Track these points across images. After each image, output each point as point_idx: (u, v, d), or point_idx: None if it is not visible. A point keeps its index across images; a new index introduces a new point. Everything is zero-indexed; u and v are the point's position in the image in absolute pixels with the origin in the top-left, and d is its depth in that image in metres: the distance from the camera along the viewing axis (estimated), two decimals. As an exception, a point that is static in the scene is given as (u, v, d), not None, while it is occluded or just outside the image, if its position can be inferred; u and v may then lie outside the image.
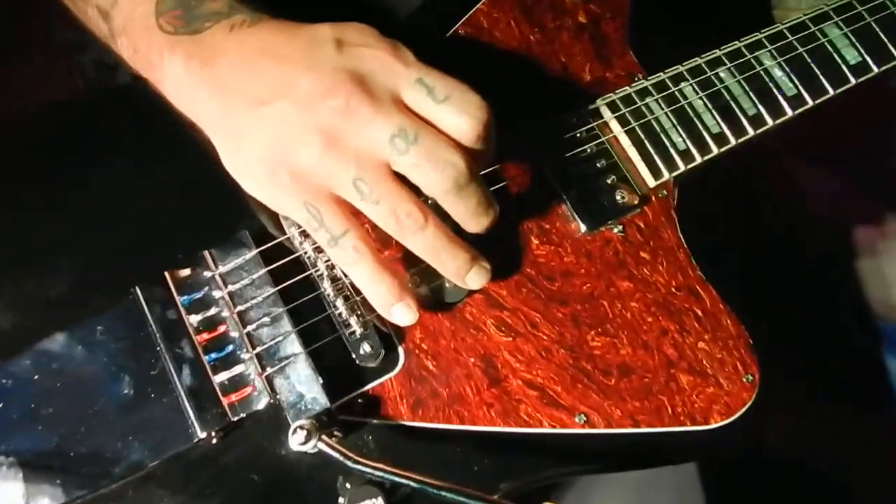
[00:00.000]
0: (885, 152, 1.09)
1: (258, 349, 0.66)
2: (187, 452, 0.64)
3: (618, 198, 0.76)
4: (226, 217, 0.72)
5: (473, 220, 0.63)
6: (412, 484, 0.61)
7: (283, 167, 0.60)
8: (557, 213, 0.76)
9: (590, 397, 0.69)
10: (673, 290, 0.74)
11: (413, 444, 0.67)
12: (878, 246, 1.03)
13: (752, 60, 0.84)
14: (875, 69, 0.86)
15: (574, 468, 0.71)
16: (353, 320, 0.68)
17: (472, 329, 0.71)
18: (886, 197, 1.07)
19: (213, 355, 0.66)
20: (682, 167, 0.79)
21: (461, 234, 0.64)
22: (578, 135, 0.79)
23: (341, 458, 0.62)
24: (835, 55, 0.85)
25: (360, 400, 0.68)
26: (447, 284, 0.71)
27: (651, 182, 0.78)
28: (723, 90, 0.82)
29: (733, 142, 0.80)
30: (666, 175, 0.78)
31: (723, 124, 0.80)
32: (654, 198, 0.78)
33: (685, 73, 0.83)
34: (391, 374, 0.68)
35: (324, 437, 0.63)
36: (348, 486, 0.64)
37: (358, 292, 0.67)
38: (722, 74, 0.83)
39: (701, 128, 0.80)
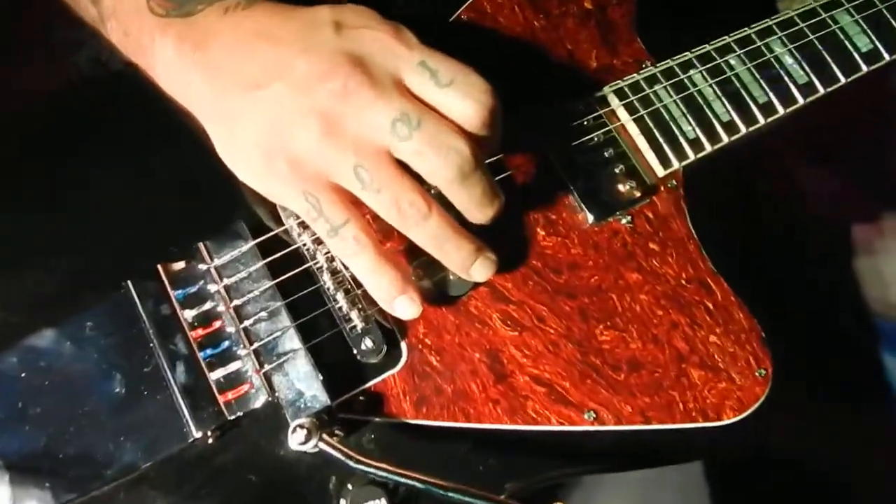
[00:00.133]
0: (884, 152, 1.06)
1: (255, 345, 0.62)
2: (182, 453, 0.60)
3: (626, 187, 0.73)
4: (221, 208, 0.67)
5: (478, 209, 0.59)
6: (416, 484, 0.58)
7: (280, 154, 0.56)
8: (564, 204, 0.72)
9: (599, 393, 0.65)
10: (683, 282, 0.70)
11: (416, 443, 0.63)
12: (875, 244, 1.00)
13: (763, 47, 0.80)
14: (887, 57, 0.82)
15: (582, 467, 0.67)
16: (353, 314, 0.63)
17: (477, 323, 0.66)
18: (884, 196, 1.05)
19: (209, 351, 0.62)
20: (691, 156, 0.75)
21: (465, 225, 0.60)
22: (585, 123, 0.75)
23: (343, 458, 0.58)
24: (846, 42, 0.81)
25: (361, 397, 0.63)
26: (451, 277, 0.67)
27: (660, 171, 0.74)
28: (733, 77, 0.78)
29: (744, 130, 0.76)
30: (675, 164, 0.74)
31: (733, 112, 0.76)
32: (663, 188, 0.74)
33: (694, 60, 0.79)
34: (394, 371, 0.64)
35: (324, 436, 0.59)
36: (350, 486, 0.60)
37: (359, 285, 0.63)
38: (732, 62, 0.79)
39: (711, 116, 0.76)
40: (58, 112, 0.73)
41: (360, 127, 0.55)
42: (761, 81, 0.78)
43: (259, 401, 0.61)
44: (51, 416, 0.60)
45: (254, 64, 0.57)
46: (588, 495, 0.80)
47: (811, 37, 0.81)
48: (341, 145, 0.55)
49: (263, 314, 0.63)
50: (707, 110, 0.76)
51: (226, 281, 0.64)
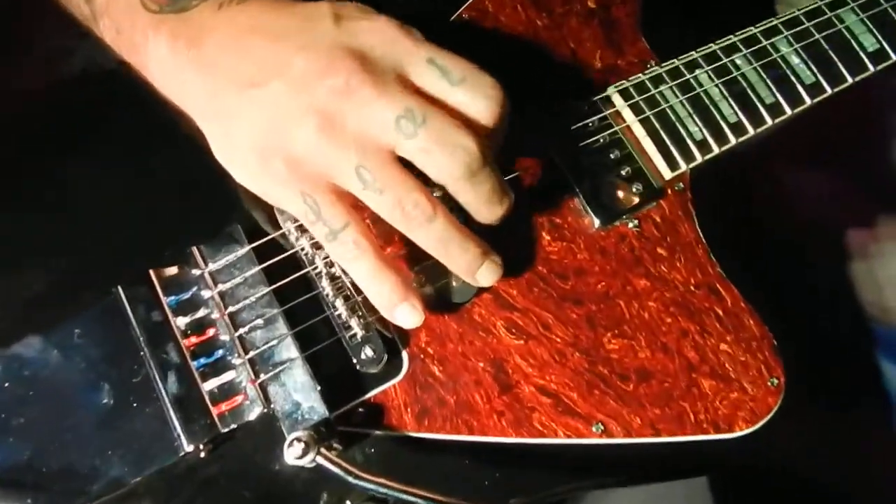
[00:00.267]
0: (877, 156, 1.02)
1: (251, 354, 0.58)
2: (172, 467, 0.55)
3: (633, 190, 0.68)
4: (217, 211, 0.63)
5: (486, 208, 0.55)
6: (418, 501, 0.54)
7: (277, 154, 0.52)
8: (569, 207, 0.68)
9: (607, 404, 0.61)
10: (692, 288, 0.66)
11: (418, 457, 0.59)
12: (870, 249, 0.96)
13: (769, 47, 0.75)
14: (894, 57, 0.78)
15: (590, 482, 0.62)
16: (353, 322, 0.59)
17: (480, 331, 0.62)
18: (878, 200, 1.01)
19: (202, 361, 0.57)
20: (699, 158, 0.70)
21: (469, 227, 0.56)
22: (590, 124, 0.71)
23: (342, 473, 0.54)
24: (852, 42, 0.77)
25: (360, 409, 0.59)
26: (454, 283, 0.63)
27: (667, 174, 0.70)
28: (739, 77, 0.74)
29: (751, 131, 0.72)
30: (683, 166, 0.70)
31: (740, 113, 0.72)
32: (670, 190, 0.70)
33: (700, 59, 0.74)
34: (394, 381, 0.60)
35: (322, 450, 0.55)
36: (349, 503, 0.56)
37: (359, 292, 0.58)
38: (738, 61, 0.75)
39: (718, 117, 0.72)
40: (49, 112, 0.68)
41: (363, 124, 0.51)
42: (768, 81, 0.74)
43: (254, 413, 0.56)
44: (35, 428, 0.55)
45: (250, 61, 0.53)
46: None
47: (817, 36, 0.77)
48: (342, 144, 0.51)
49: (259, 322, 0.59)
50: (714, 111, 0.72)
51: (220, 287, 0.59)
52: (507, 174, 0.66)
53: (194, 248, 0.60)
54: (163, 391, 0.56)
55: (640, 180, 0.69)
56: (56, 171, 0.64)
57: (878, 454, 0.91)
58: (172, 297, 0.59)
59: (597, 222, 0.67)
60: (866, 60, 0.77)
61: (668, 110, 0.72)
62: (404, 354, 0.61)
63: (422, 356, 0.61)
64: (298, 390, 0.57)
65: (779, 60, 0.75)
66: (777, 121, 0.73)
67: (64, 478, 0.54)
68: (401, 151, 0.52)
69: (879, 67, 0.78)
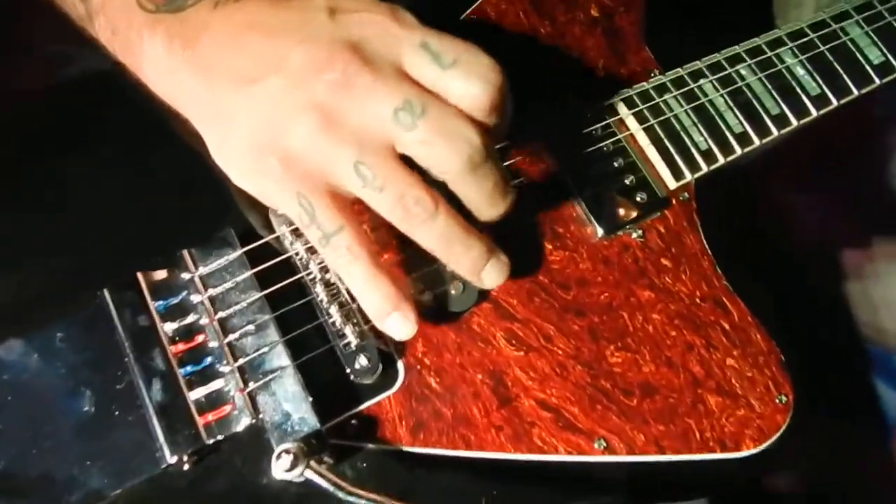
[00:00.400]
0: (872, 177, 0.99)
1: (240, 361, 0.53)
2: (154, 480, 0.51)
3: (637, 200, 0.64)
4: (212, 214, 0.59)
5: (489, 204, 0.51)
6: (411, 518, 0.50)
7: (273, 151, 0.48)
8: (572, 216, 0.64)
9: (610, 420, 0.56)
10: (697, 300, 0.62)
11: (413, 472, 0.54)
12: (864, 269, 0.93)
13: (774, 58, 0.72)
14: (899, 70, 0.75)
15: (591, 500, 0.58)
16: (348, 330, 0.55)
17: (479, 342, 0.58)
18: (872, 221, 0.98)
19: (189, 368, 0.53)
20: (704, 168, 0.67)
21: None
22: (594, 132, 0.67)
23: (332, 489, 0.50)
24: (857, 54, 0.74)
25: (353, 421, 0.55)
26: (453, 291, 0.58)
27: (672, 184, 0.66)
28: (744, 88, 0.70)
29: (757, 142, 0.69)
30: (688, 176, 0.66)
31: (746, 123, 0.68)
32: (674, 201, 0.66)
33: (704, 69, 0.71)
34: (389, 392, 0.56)
35: (312, 463, 0.50)
36: (341, 518, 0.51)
37: (355, 299, 0.54)
38: (743, 72, 0.71)
39: (723, 127, 0.68)
40: (46, 113, 0.65)
41: (361, 118, 0.47)
42: (773, 92, 0.70)
43: (242, 423, 0.52)
44: (12, 436, 0.51)
45: (247, 58, 0.50)
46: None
47: (822, 48, 0.73)
48: (340, 140, 0.47)
49: (250, 328, 0.55)
50: (719, 121, 0.68)
51: (210, 291, 0.55)
52: (513, 178, 0.63)
53: (185, 252, 0.56)
54: (147, 399, 0.52)
55: (644, 190, 0.65)
56: (52, 171, 0.61)
57: (874, 473, 0.88)
58: (160, 302, 0.55)
59: (600, 232, 0.63)
60: (872, 73, 0.74)
61: (672, 119, 0.68)
62: (400, 365, 0.57)
63: (418, 367, 0.57)
64: (289, 400, 0.52)
65: (784, 71, 0.72)
66: (783, 132, 0.70)
67: (40, 488, 0.50)
68: (400, 146, 0.48)
69: (885, 80, 0.75)
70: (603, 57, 0.72)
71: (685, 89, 0.70)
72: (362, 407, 0.55)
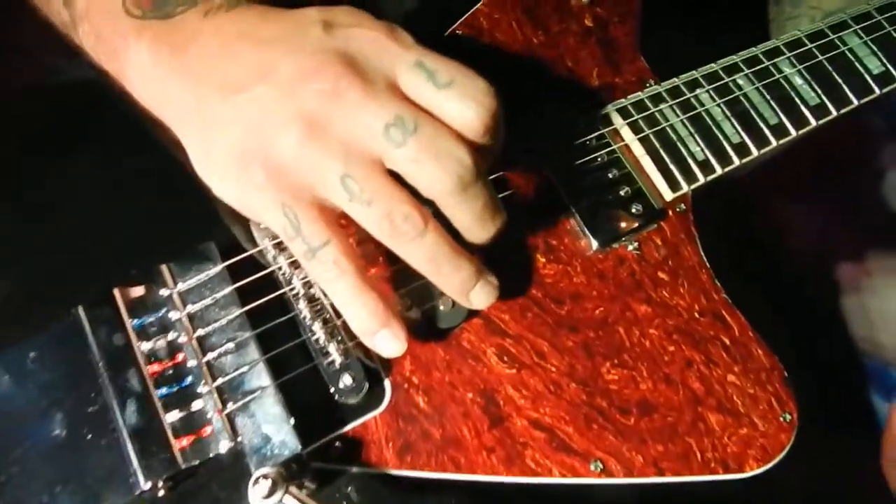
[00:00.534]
0: (871, 190, 0.96)
1: (219, 381, 0.50)
2: (127, 507, 0.48)
3: (632, 211, 0.61)
4: (192, 227, 0.56)
5: (478, 225, 0.48)
6: (398, 546, 0.46)
7: (258, 160, 0.46)
8: (566, 229, 0.60)
9: (606, 440, 0.53)
10: (696, 314, 0.58)
11: (399, 496, 0.51)
12: (861, 283, 0.90)
13: (771, 67, 0.69)
14: (900, 80, 0.72)
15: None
16: (332, 348, 0.51)
17: (469, 359, 0.54)
18: (870, 233, 0.95)
19: (165, 389, 0.49)
20: (701, 179, 0.63)
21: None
22: (587, 143, 0.64)
23: (313, 515, 0.46)
24: (856, 64, 0.71)
25: (337, 443, 0.51)
26: (442, 307, 0.55)
27: (668, 195, 0.63)
28: (742, 97, 0.67)
29: (755, 152, 0.65)
30: (685, 187, 0.63)
31: (743, 133, 0.65)
32: (671, 212, 0.63)
33: (700, 78, 0.68)
34: (375, 413, 0.52)
35: (292, 488, 0.46)
36: (322, 548, 0.48)
37: (340, 315, 0.51)
38: (740, 81, 0.68)
39: (720, 136, 0.65)
40: (29, 119, 0.62)
41: (350, 131, 0.44)
42: (771, 102, 0.67)
43: (219, 447, 0.48)
44: (-22, 462, 0.48)
45: (236, 67, 0.47)
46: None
47: (820, 58, 0.70)
48: (327, 151, 0.44)
49: (230, 346, 0.51)
50: (716, 130, 0.65)
51: (189, 308, 0.52)
52: (500, 192, 0.59)
53: (163, 266, 0.53)
54: (120, 422, 0.48)
55: (639, 201, 0.62)
56: (35, 177, 0.58)
57: (872, 485, 0.84)
58: (137, 320, 0.51)
59: (594, 244, 0.59)
60: (872, 83, 0.70)
61: (668, 129, 0.65)
62: (387, 383, 0.53)
63: (405, 385, 0.53)
64: (269, 422, 0.49)
65: (782, 81, 0.69)
66: (782, 142, 0.67)
67: (7, 516, 0.46)
68: (389, 162, 0.45)
69: (886, 90, 0.71)
70: (597, 67, 0.69)
71: (681, 99, 0.67)
72: (347, 428, 0.51)
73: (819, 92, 0.69)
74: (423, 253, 0.47)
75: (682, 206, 0.64)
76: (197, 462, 0.48)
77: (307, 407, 0.50)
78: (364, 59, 0.46)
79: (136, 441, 0.48)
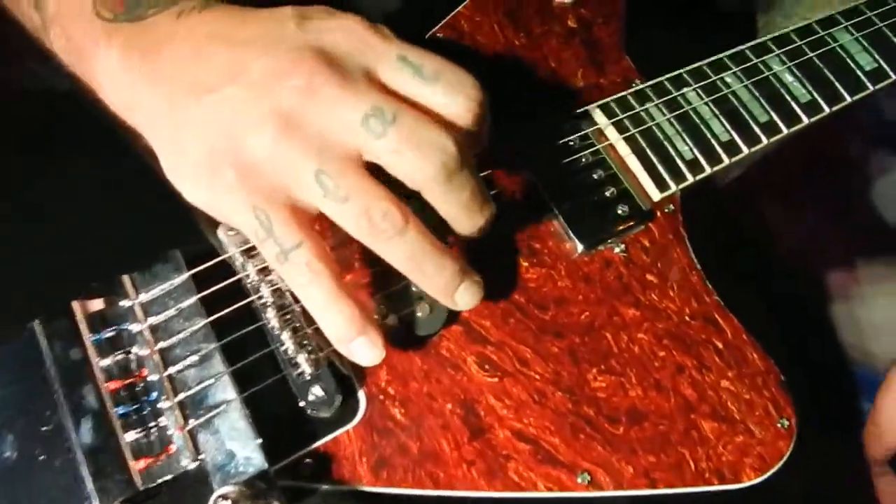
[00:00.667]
0: (858, 191, 0.94)
1: (181, 396, 0.46)
2: (81, 532, 0.44)
3: (618, 213, 0.58)
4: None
5: (465, 216, 0.45)
6: (372, 569, 0.42)
7: (227, 160, 0.43)
8: (549, 231, 0.57)
9: (594, 451, 0.49)
10: (687, 318, 0.55)
11: (375, 516, 0.47)
12: (851, 291, 0.87)
13: (760, 65, 0.66)
14: (893, 76, 0.68)
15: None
16: (301, 358, 0.48)
17: (449, 368, 0.51)
18: (859, 235, 0.93)
19: (125, 407, 0.46)
20: (690, 178, 0.60)
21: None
22: (571, 143, 0.60)
23: (280, 538, 0.43)
24: (848, 60, 0.67)
25: (308, 459, 0.47)
26: (419, 314, 0.52)
27: (656, 195, 0.59)
28: (730, 95, 0.64)
29: (745, 150, 0.62)
30: (673, 187, 0.59)
31: (732, 132, 0.62)
32: (659, 213, 0.59)
33: (687, 76, 0.65)
34: (349, 427, 0.48)
35: (257, 509, 0.43)
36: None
37: (311, 323, 0.48)
38: (728, 79, 0.65)
39: (709, 135, 0.62)
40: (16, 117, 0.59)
41: (326, 126, 0.42)
42: (761, 99, 0.64)
43: (181, 466, 0.45)
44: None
45: (208, 69, 0.45)
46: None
47: (811, 54, 0.67)
48: (301, 147, 0.42)
49: (194, 359, 0.48)
50: (704, 129, 0.62)
51: (151, 320, 0.49)
52: (489, 189, 0.56)
53: (125, 277, 0.50)
54: (75, 442, 0.45)
55: (625, 202, 0.59)
56: (35, 178, 0.55)
57: (864, 491, 0.81)
58: (96, 335, 0.48)
59: (579, 247, 0.56)
60: (864, 79, 0.67)
61: (654, 128, 0.62)
62: (361, 395, 0.49)
63: (381, 397, 0.49)
64: (234, 438, 0.45)
65: (771, 78, 0.66)
66: (773, 140, 0.63)
67: (-47, 544, 0.43)
68: (368, 155, 0.43)
69: (879, 86, 0.68)
70: (581, 68, 0.66)
71: (667, 98, 0.64)
72: (318, 444, 0.48)
73: (810, 88, 0.66)
74: (404, 251, 0.44)
75: (671, 206, 0.60)
76: (156, 483, 0.44)
77: (275, 421, 0.47)
78: (341, 54, 0.44)
79: (92, 461, 0.44)
